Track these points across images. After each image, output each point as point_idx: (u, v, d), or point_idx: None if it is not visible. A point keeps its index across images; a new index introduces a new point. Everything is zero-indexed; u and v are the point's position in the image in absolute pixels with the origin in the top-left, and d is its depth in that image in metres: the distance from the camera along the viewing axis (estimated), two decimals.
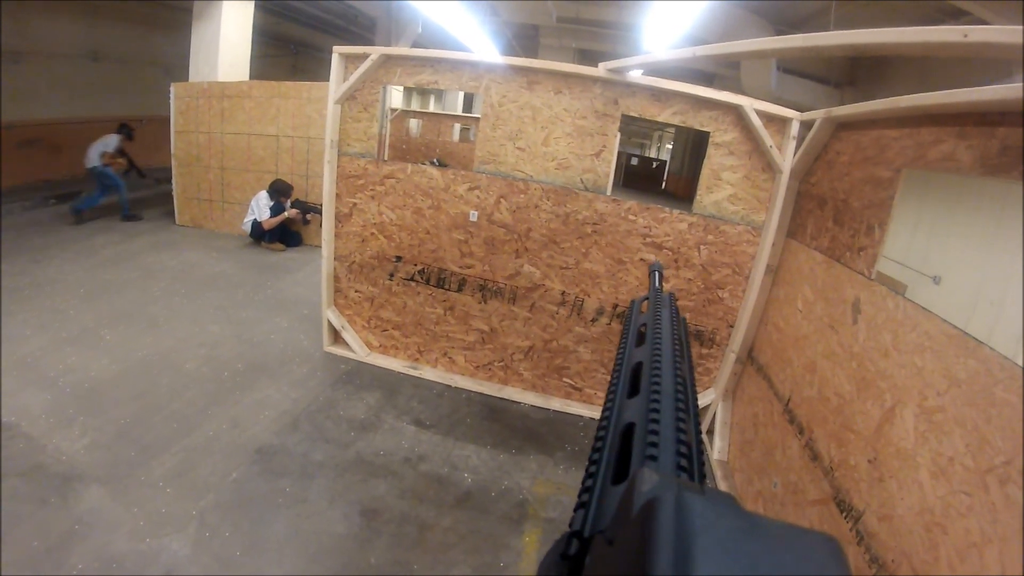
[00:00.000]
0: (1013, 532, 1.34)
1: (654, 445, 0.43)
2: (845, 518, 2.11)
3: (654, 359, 0.60)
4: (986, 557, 1.41)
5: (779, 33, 9.83)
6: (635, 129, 28.76)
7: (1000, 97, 1.70)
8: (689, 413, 0.51)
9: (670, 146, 25.89)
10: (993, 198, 5.13)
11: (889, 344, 2.08)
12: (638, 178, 22.42)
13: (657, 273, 1.26)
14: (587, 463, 0.47)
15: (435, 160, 11.55)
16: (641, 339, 0.74)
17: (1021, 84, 1.59)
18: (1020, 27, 1.51)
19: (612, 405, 0.57)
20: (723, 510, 0.25)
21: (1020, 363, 1.46)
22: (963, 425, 1.60)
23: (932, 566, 1.59)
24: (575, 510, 0.41)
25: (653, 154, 30.73)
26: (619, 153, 17.21)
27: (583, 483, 0.44)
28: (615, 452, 0.48)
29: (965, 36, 1.67)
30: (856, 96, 11.65)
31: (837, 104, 11.07)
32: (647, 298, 0.97)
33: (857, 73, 11.16)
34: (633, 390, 0.58)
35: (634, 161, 23.61)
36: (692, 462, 0.43)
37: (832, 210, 2.80)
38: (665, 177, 23.12)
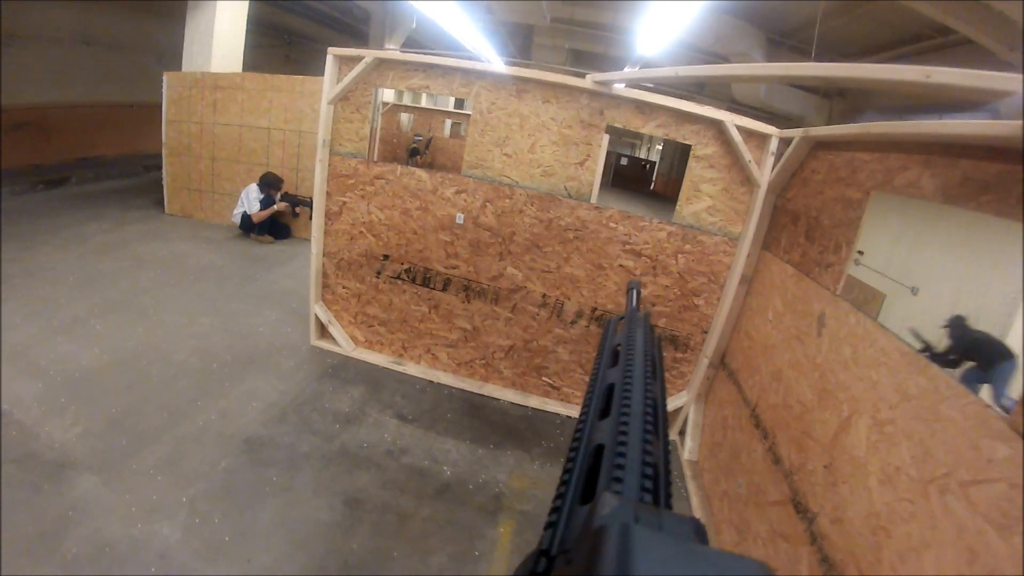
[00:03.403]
0: (949, 539, 1.43)
1: (620, 467, 0.44)
2: (801, 519, 2.19)
3: (625, 381, 0.62)
4: (924, 561, 1.49)
5: (770, 41, 9.95)
6: (626, 129, 28.75)
7: (965, 131, 1.79)
8: (658, 435, 0.52)
9: (660, 147, 25.98)
10: (972, 214, 5.26)
11: (849, 357, 2.17)
12: (627, 178, 22.49)
13: (634, 292, 1.26)
14: (558, 483, 0.48)
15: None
16: (615, 359, 0.75)
17: (986, 120, 1.70)
18: (979, 72, 1.62)
19: (583, 426, 0.58)
20: (665, 538, 0.27)
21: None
22: (910, 437, 1.68)
23: (876, 567, 1.67)
24: (544, 528, 0.42)
25: (643, 154, 30.76)
26: (608, 152, 17.27)
27: (553, 502, 0.45)
28: (585, 472, 0.49)
29: (927, 77, 1.78)
30: (845, 107, 11.80)
31: (826, 114, 11.25)
32: (622, 317, 0.98)
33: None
34: (605, 411, 0.59)
35: (624, 161, 23.69)
36: (658, 484, 0.44)
37: (804, 226, 2.90)
38: (654, 178, 23.24)
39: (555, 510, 0.44)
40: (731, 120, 3.34)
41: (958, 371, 4.39)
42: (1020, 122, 1.53)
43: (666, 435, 0.56)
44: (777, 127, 3.34)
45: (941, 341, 4.67)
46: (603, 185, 13.72)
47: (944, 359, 4.36)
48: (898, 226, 6.35)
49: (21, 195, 7.38)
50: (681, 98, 3.62)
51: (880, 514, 1.73)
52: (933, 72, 1.74)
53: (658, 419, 0.55)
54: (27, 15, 8.16)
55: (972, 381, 4.17)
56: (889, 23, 7.81)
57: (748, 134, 3.35)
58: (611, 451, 0.47)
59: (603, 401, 0.63)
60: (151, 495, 2.63)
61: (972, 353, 4.36)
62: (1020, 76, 1.50)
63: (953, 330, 4.62)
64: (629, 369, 0.65)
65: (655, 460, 0.46)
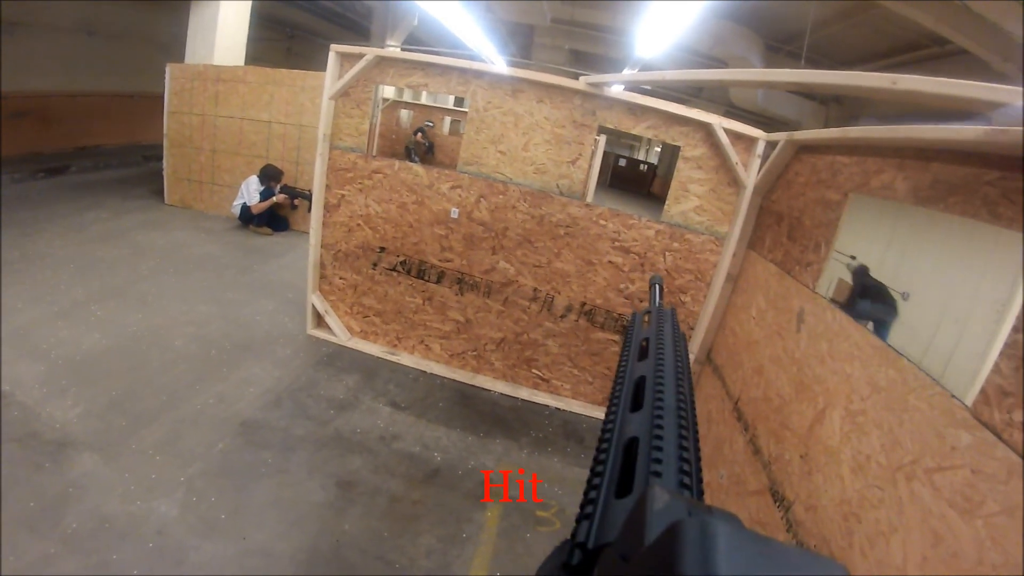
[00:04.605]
0: (915, 523, 1.50)
1: (658, 461, 0.44)
2: (778, 507, 2.27)
3: (657, 374, 0.61)
4: (891, 545, 1.57)
5: (768, 47, 10.03)
6: (620, 130, 28.65)
7: (936, 136, 1.86)
8: (690, 430, 0.51)
9: (659, 149, 25.99)
10: (962, 219, 5.30)
11: (825, 352, 2.24)
12: (625, 179, 22.37)
13: (658, 287, 1.23)
14: (589, 474, 0.47)
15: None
16: (643, 353, 0.74)
17: (957, 125, 1.77)
18: (943, 80, 1.70)
19: (615, 418, 0.57)
20: (744, 535, 0.25)
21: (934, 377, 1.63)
22: (880, 427, 1.76)
23: (847, 551, 1.75)
24: (577, 521, 0.40)
25: (642, 156, 30.74)
26: (606, 154, 17.31)
27: (585, 495, 0.44)
28: (617, 466, 0.48)
29: (894, 83, 1.87)
30: (841, 112, 11.87)
31: (823, 119, 11.30)
32: (649, 311, 0.96)
33: None
34: (635, 404, 0.59)
35: (622, 162, 23.59)
36: (693, 479, 0.43)
37: (787, 226, 2.97)
38: (653, 179, 23.18)
39: (590, 502, 0.42)
40: (719, 123, 3.43)
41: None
42: (985, 127, 1.61)
43: (696, 431, 0.55)
44: (774, 132, 3.41)
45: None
46: (600, 185, 13.77)
47: (851, 296, 5.53)
48: (890, 231, 6.40)
49: (21, 183, 7.42)
50: (679, 101, 3.70)
51: (851, 501, 1.81)
52: (899, 79, 1.82)
53: (688, 415, 0.54)
54: (31, 3, 8.17)
55: (862, 315, 5.12)
56: (886, 32, 7.87)
57: (736, 137, 3.44)
58: (647, 443, 0.47)
59: (632, 394, 0.62)
60: (149, 474, 2.71)
61: (867, 293, 5.39)
62: (988, 85, 1.58)
63: (856, 274, 5.68)
64: (661, 362, 0.64)
65: (689, 455, 0.46)
